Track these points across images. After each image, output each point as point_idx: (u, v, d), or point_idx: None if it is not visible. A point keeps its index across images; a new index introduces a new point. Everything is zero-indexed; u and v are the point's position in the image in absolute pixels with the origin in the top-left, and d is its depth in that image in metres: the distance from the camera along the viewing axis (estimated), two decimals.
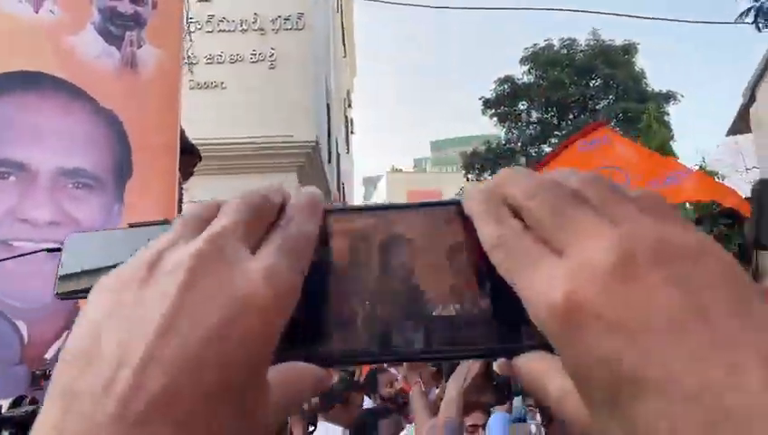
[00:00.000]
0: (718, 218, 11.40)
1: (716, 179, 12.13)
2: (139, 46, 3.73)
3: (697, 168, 12.59)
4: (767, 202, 0.75)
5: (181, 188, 4.36)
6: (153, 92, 3.70)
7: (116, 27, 3.72)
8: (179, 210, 4.37)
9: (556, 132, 15.88)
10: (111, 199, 3.52)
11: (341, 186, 17.14)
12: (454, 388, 1.41)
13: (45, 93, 3.50)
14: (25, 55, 3.50)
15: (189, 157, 4.58)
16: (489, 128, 17.54)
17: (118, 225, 3.60)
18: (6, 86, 3.44)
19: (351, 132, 26.31)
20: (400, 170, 44.25)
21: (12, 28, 3.49)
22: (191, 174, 4.72)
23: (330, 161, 12.96)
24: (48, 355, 3.24)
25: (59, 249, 0.45)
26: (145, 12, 3.82)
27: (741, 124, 18.36)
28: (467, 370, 1.39)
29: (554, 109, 15.61)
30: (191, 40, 9.12)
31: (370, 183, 52.61)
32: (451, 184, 19.35)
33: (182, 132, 4.06)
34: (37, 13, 3.56)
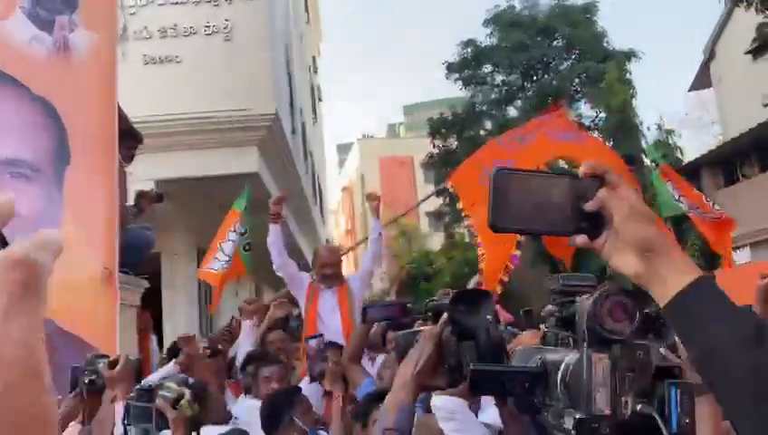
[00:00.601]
0: None
1: (673, 137, 12.32)
2: (71, 30, 3.67)
3: (655, 126, 12.76)
4: (498, 191, 0.85)
5: (124, 171, 4.34)
6: (88, 77, 3.66)
7: (45, 11, 3.65)
8: (122, 193, 4.36)
9: (521, 94, 15.92)
10: (51, 188, 3.50)
11: (309, 155, 17.05)
12: (407, 371, 1.43)
13: None
14: None
15: (131, 141, 4.56)
16: (458, 91, 17.54)
17: (59, 213, 3.58)
18: None
19: (319, 99, 26.04)
20: (371, 137, 44.01)
21: None
22: (132, 157, 4.70)
23: (294, 132, 12.86)
24: None
25: None
26: None
27: (702, 80, 18.60)
28: (420, 352, 1.43)
29: (518, 71, 15.63)
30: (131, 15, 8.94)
31: (345, 150, 52.30)
32: (423, 150, 19.31)
33: (122, 115, 4.03)
34: None
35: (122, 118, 3.97)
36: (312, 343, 3.59)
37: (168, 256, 8.61)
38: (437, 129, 16.69)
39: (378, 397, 3.65)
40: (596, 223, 0.85)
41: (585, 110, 16.14)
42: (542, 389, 0.99)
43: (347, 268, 5.13)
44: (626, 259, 0.84)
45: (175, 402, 2.17)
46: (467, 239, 18.78)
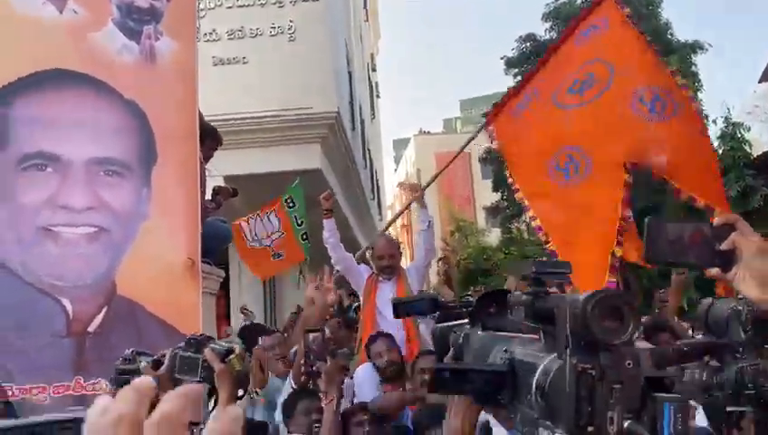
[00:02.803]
0: (744, 170, 11.33)
1: (741, 130, 11.97)
2: (157, 39, 3.97)
3: (722, 119, 12.41)
4: (651, 234, 1.15)
5: (204, 169, 4.64)
6: (171, 82, 3.96)
7: (134, 22, 3.97)
8: (202, 189, 4.66)
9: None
10: (139, 184, 3.82)
11: (367, 151, 17.31)
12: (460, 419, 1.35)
13: (73, 89, 3.78)
14: (53, 54, 3.78)
15: (210, 141, 4.87)
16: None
17: (147, 208, 3.89)
18: (36, 84, 3.73)
19: (377, 96, 26.32)
20: (428, 133, 44.00)
21: (38, 30, 3.76)
22: (211, 156, 5.01)
23: (354, 129, 13.13)
24: (91, 329, 3.58)
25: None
26: (161, 5, 4.05)
27: None
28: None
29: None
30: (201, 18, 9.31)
31: (401, 145, 52.43)
32: (479, 145, 19.29)
33: (201, 118, 4.32)
34: (61, 13, 3.83)
35: (201, 120, 4.26)
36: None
37: (235, 248, 8.98)
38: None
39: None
40: (727, 259, 1.12)
41: None
42: (510, 390, 0.92)
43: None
44: (751, 287, 1.10)
45: (224, 356, 2.01)
46: (526, 235, 18.65)
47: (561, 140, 4.24)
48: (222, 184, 6.88)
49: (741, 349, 1.50)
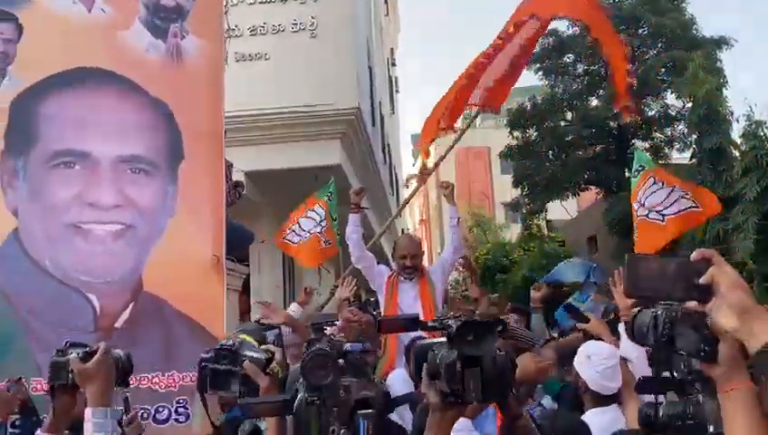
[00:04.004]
0: (767, 169, 11.14)
1: (764, 130, 11.80)
2: (183, 37, 4.01)
3: (744, 117, 12.23)
4: (631, 268, 1.22)
5: (228, 168, 4.69)
6: (198, 81, 4.00)
7: (161, 20, 4.00)
8: (228, 188, 4.71)
9: (603, 85, 15.56)
10: (166, 182, 3.86)
11: (387, 147, 17.31)
12: None
13: (101, 87, 3.83)
14: (81, 53, 3.83)
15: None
16: (538, 80, 17.28)
17: (173, 205, 3.94)
18: (65, 83, 3.78)
19: (396, 91, 26.30)
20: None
21: (67, 29, 3.81)
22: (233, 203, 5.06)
23: (374, 125, 13.14)
24: (117, 324, 3.64)
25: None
26: (187, 4, 4.09)
27: None
28: None
29: (600, 61, 15.29)
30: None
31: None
32: (500, 141, 19.13)
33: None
34: (90, 12, 3.88)
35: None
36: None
37: (255, 244, 9.05)
38: (517, 120, 16.54)
39: None
40: (705, 292, 1.18)
41: (671, 100, 15.64)
42: None
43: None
44: (727, 319, 1.14)
45: (266, 366, 1.87)
46: (545, 231, 18.57)
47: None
48: (242, 180, 6.93)
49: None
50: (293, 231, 6.14)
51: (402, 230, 23.07)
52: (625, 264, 1.22)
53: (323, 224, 6.34)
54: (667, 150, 16.03)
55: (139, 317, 3.66)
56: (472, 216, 28.14)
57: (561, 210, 18.06)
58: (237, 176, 6.75)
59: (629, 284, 1.21)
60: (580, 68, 16.76)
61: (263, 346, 2.03)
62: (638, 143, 16.00)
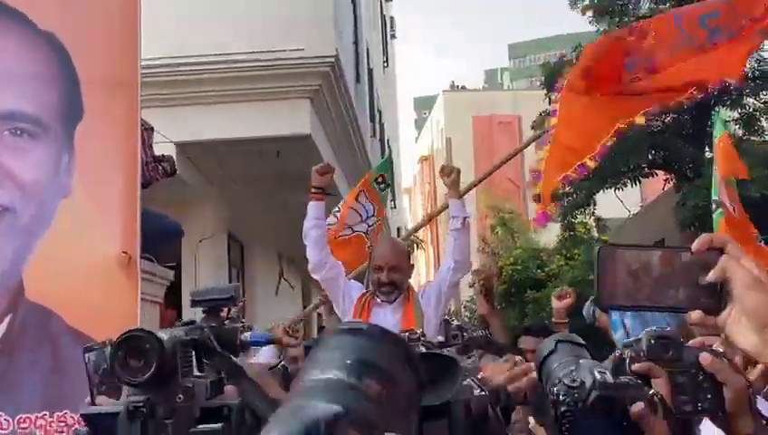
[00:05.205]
0: None
1: None
2: None
3: None
4: (604, 266, 1.10)
5: (145, 129, 4.68)
6: (108, 12, 3.99)
7: None
8: (146, 159, 4.70)
9: None
10: (59, 148, 3.86)
11: (377, 113, 17.33)
12: None
13: None
14: None
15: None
16: (581, 24, 17.23)
17: (68, 180, 3.93)
18: None
19: (392, 36, 26.29)
20: (462, 88, 43.97)
21: None
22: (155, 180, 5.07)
23: (358, 81, 13.13)
24: None
25: None
26: None
27: None
28: None
29: None
30: None
31: (426, 105, 52.36)
32: (535, 106, 19.09)
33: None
34: None
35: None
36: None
37: (191, 242, 9.06)
38: (556, 77, 16.51)
39: None
40: (716, 297, 1.07)
41: None
42: None
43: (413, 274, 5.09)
44: (746, 335, 1.05)
45: None
46: (595, 232, 18.63)
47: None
48: (172, 155, 6.93)
49: None
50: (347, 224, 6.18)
51: (398, 229, 23.07)
52: (595, 262, 1.12)
53: (371, 223, 6.36)
54: (763, 121, 16.08)
55: (19, 335, 3.66)
56: (494, 211, 28.16)
57: (616, 204, 18.11)
58: (165, 149, 6.74)
59: (600, 289, 1.12)
60: (645, 5, 16.80)
61: None
62: (724, 113, 16.06)
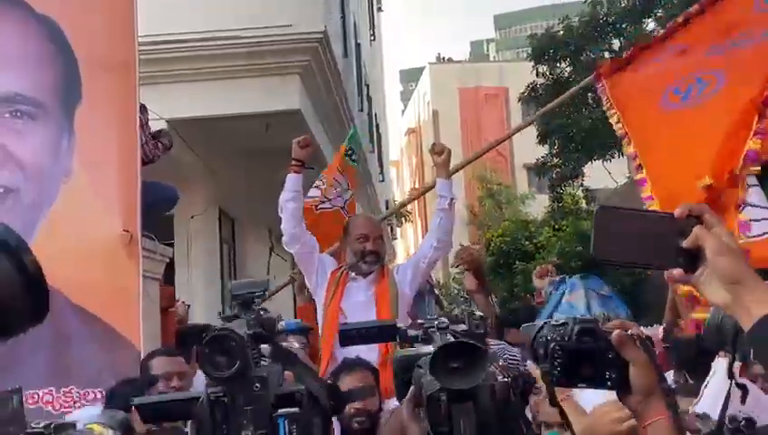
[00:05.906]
0: None
1: None
2: None
3: None
4: (601, 225, 1.29)
5: (143, 110, 4.74)
6: None
7: None
8: (145, 139, 4.76)
9: (662, 2, 15.66)
10: (59, 130, 3.93)
11: (365, 87, 17.35)
12: None
13: None
14: None
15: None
16: None
17: (69, 161, 4.01)
18: None
19: (378, 9, 26.28)
20: (449, 60, 43.88)
21: None
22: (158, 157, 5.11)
23: (346, 56, 13.16)
24: None
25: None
26: None
27: None
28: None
29: None
30: None
31: (412, 77, 52.27)
32: (522, 78, 19.07)
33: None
34: None
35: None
36: None
37: (183, 219, 9.13)
38: (544, 49, 16.56)
39: None
40: (692, 259, 1.27)
41: None
42: None
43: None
44: (716, 291, 1.25)
45: None
46: (583, 203, 18.72)
47: (690, 69, 4.97)
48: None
49: None
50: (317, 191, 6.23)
51: (387, 203, 23.13)
52: (593, 220, 1.30)
53: (347, 196, 6.44)
54: None
55: None
56: (482, 182, 28.31)
57: (604, 175, 18.21)
58: (155, 126, 6.80)
59: (596, 244, 1.27)
60: None
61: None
62: None
